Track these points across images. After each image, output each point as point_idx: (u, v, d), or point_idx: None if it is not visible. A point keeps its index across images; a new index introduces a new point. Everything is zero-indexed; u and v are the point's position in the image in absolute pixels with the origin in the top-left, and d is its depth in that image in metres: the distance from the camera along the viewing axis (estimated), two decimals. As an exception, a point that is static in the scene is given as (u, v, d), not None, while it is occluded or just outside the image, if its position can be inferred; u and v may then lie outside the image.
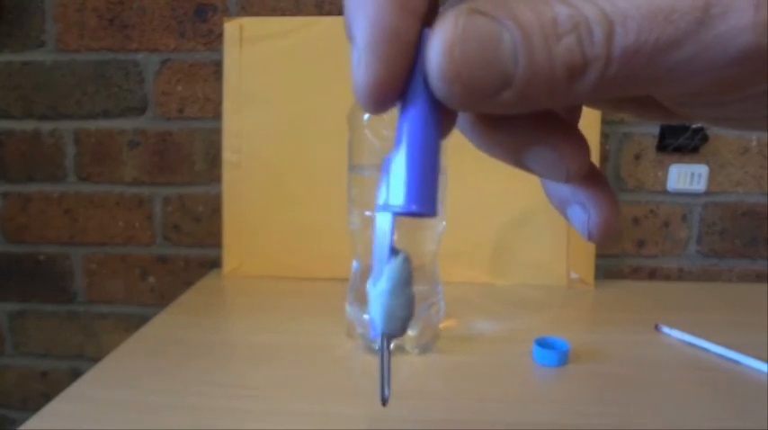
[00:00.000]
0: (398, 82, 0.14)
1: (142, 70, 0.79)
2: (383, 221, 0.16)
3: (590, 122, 0.72)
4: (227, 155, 0.75)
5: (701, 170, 0.77)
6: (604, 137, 0.77)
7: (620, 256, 0.80)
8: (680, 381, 0.47)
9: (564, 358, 0.50)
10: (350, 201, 0.52)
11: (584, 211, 0.18)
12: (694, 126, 0.74)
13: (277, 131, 0.74)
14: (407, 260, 0.17)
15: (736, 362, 0.50)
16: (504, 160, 0.17)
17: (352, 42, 0.14)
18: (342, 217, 0.54)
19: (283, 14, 0.77)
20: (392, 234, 0.16)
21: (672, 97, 0.15)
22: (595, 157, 0.72)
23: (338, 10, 0.76)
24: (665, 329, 0.57)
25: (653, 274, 0.81)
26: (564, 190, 0.18)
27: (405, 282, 0.17)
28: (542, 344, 0.51)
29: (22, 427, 0.39)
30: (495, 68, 0.13)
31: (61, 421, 0.40)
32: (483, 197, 0.72)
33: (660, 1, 0.13)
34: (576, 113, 0.19)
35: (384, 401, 0.19)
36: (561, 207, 0.19)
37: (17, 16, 0.79)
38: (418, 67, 0.14)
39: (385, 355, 0.18)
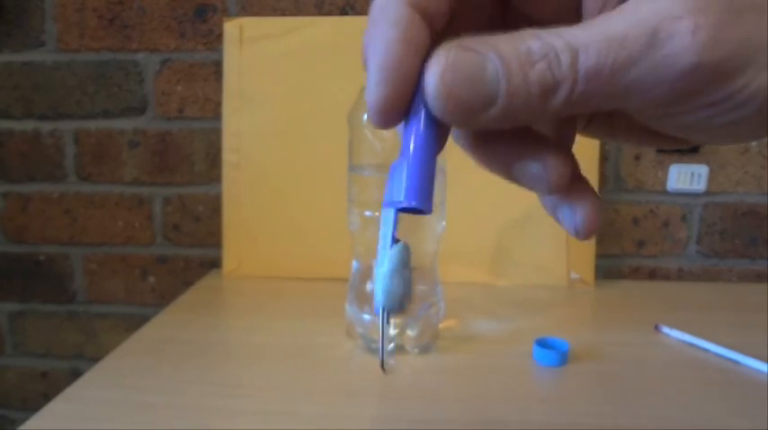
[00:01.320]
0: (402, 103, 0.18)
1: (142, 70, 0.79)
2: (387, 215, 0.19)
3: (590, 122, 0.72)
4: (227, 155, 0.75)
5: (701, 170, 0.77)
6: (604, 137, 0.77)
7: (620, 256, 0.80)
8: (680, 381, 0.47)
9: (564, 358, 0.50)
10: (350, 201, 0.52)
11: (571, 212, 0.20)
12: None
13: (277, 131, 0.74)
14: (406, 247, 0.20)
15: (736, 363, 0.50)
16: (499, 175, 0.20)
17: (367, 69, 0.18)
18: (342, 217, 0.54)
19: (283, 14, 0.77)
20: (394, 226, 0.19)
21: (637, 110, 0.18)
22: (595, 158, 0.72)
23: (338, 10, 0.76)
24: (665, 329, 0.57)
25: (653, 274, 0.81)
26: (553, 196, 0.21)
27: (403, 265, 0.20)
28: (542, 344, 0.51)
29: (22, 427, 0.39)
30: (480, 89, 0.16)
31: (61, 421, 0.40)
32: (483, 197, 0.72)
33: (615, 30, 0.16)
34: (569, 136, 0.22)
35: (383, 368, 0.23)
36: (553, 211, 0.21)
37: (17, 16, 0.79)
38: (419, 92, 0.18)
39: (384, 327, 0.21)
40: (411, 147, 0.18)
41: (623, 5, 0.16)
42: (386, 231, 0.20)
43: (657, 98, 0.16)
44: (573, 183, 0.20)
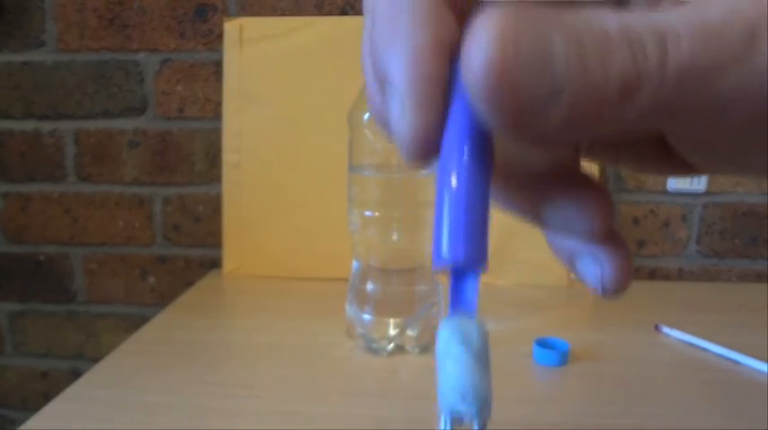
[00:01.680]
0: (439, 124, 0.13)
1: (142, 70, 0.79)
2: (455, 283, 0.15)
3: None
4: (227, 155, 0.75)
5: (701, 170, 0.77)
6: (604, 137, 0.77)
7: (620, 256, 0.80)
8: (680, 381, 0.47)
9: (564, 358, 0.50)
10: (350, 201, 0.52)
11: (596, 264, 0.16)
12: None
13: (277, 131, 0.74)
14: (483, 327, 0.15)
15: (736, 362, 0.50)
16: (520, 214, 0.16)
17: (388, 83, 0.13)
18: (342, 217, 0.54)
19: (283, 14, 0.77)
20: (462, 292, 0.15)
21: (698, 138, 0.14)
22: (595, 157, 0.72)
23: (338, 10, 0.76)
24: (665, 329, 0.57)
25: (653, 274, 0.81)
26: (573, 241, 0.17)
27: (484, 351, 0.14)
28: (542, 344, 0.51)
29: (22, 427, 0.39)
30: (546, 74, 0.12)
31: (61, 421, 0.41)
32: (483, 197, 0.72)
33: (712, 19, 0.12)
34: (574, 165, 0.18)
35: None
36: (569, 259, 0.17)
37: (17, 16, 0.79)
38: (455, 96, 0.13)
39: None
40: (453, 180, 0.13)
41: None
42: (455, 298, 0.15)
43: (746, 117, 0.12)
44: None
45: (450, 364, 0.13)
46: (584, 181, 0.16)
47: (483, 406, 0.14)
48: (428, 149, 0.13)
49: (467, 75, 0.12)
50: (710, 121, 0.13)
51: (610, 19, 0.12)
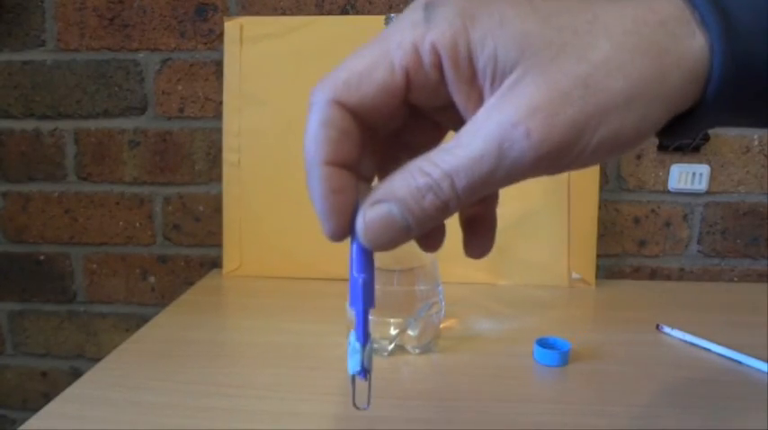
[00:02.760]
0: (343, 226, 0.24)
1: (142, 70, 0.79)
2: (355, 314, 0.26)
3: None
4: (228, 154, 0.75)
5: (703, 170, 0.77)
6: (605, 136, 0.77)
7: (622, 256, 0.80)
8: (680, 381, 0.47)
9: (565, 358, 0.50)
10: (350, 200, 0.52)
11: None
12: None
13: (277, 131, 0.74)
14: (371, 348, 0.28)
15: (737, 362, 0.50)
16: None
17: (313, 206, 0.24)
18: (342, 216, 0.54)
19: (284, 14, 0.77)
20: (365, 323, 0.26)
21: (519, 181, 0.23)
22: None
23: (339, 9, 0.76)
24: (667, 329, 0.57)
25: (654, 274, 0.80)
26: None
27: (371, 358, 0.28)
28: (543, 344, 0.51)
29: (22, 427, 0.39)
30: (395, 230, 0.23)
31: (61, 421, 0.40)
32: (484, 197, 0.72)
33: (474, 151, 0.21)
34: (492, 200, 0.28)
35: (355, 405, 0.30)
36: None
37: (17, 16, 0.79)
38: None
39: (354, 383, 0.29)
40: (355, 268, 0.25)
41: (478, 115, 0.21)
42: (358, 326, 0.27)
43: (524, 178, 0.22)
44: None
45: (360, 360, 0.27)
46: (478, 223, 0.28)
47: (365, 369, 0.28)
48: (337, 237, 0.24)
49: (358, 234, 0.23)
50: (506, 185, 0.22)
51: (417, 177, 0.22)
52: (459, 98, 0.23)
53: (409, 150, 0.25)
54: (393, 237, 0.23)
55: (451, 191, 0.21)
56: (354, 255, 0.25)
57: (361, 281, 0.25)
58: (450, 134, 0.24)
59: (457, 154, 0.21)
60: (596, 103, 0.20)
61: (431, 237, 0.27)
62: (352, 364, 0.27)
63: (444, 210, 0.22)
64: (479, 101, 0.22)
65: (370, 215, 0.23)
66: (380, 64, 0.22)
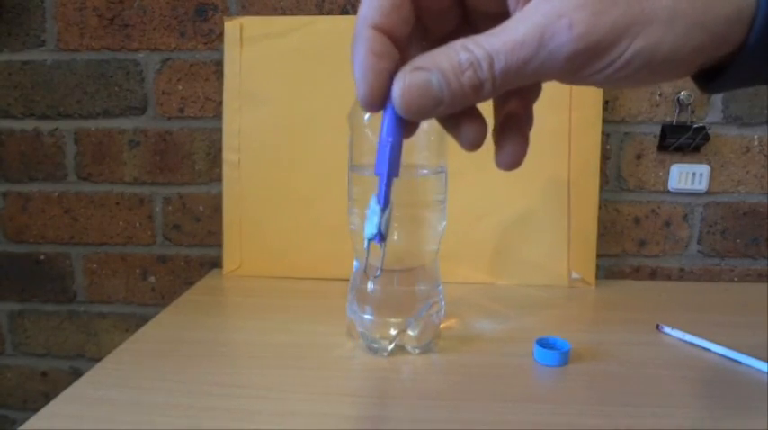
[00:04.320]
0: (378, 95, 0.24)
1: (142, 69, 0.79)
2: (380, 180, 0.27)
3: (591, 122, 0.72)
4: (228, 154, 0.75)
5: (703, 170, 0.76)
6: (605, 136, 0.77)
7: (622, 256, 0.80)
8: (680, 381, 0.47)
9: (565, 358, 0.50)
10: (350, 200, 0.52)
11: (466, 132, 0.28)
12: (696, 125, 0.74)
13: (277, 131, 0.74)
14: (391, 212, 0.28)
15: (737, 362, 0.50)
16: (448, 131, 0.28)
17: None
18: (342, 217, 0.54)
19: (284, 14, 0.77)
20: (387, 189, 0.27)
21: (549, 80, 0.24)
22: (596, 157, 0.72)
23: (339, 9, 0.76)
24: (667, 329, 0.57)
25: (654, 274, 0.80)
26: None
27: (389, 222, 0.28)
28: (543, 344, 0.51)
29: (22, 427, 0.39)
30: (430, 98, 0.23)
31: (61, 421, 0.40)
32: (483, 197, 0.72)
33: (516, 36, 0.22)
34: (533, 95, 0.28)
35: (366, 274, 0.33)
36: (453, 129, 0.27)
37: (17, 16, 0.79)
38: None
39: (368, 251, 0.30)
40: (385, 131, 0.26)
41: (527, 7, 0.23)
42: (380, 190, 0.27)
43: (556, 75, 0.23)
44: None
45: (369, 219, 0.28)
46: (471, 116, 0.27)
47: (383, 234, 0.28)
48: (371, 106, 0.25)
49: (393, 101, 0.24)
50: (542, 80, 0.24)
51: (459, 52, 0.23)
52: (511, 0, 0.24)
53: None
54: (425, 105, 0.24)
55: (489, 71, 0.22)
56: (386, 121, 0.26)
57: (389, 144, 0.26)
58: None
59: (500, 37, 0.22)
60: (641, 11, 0.21)
61: (472, 129, 0.27)
62: (369, 228, 0.28)
63: (479, 90, 0.23)
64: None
65: (409, 79, 0.23)
66: None
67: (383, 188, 0.27)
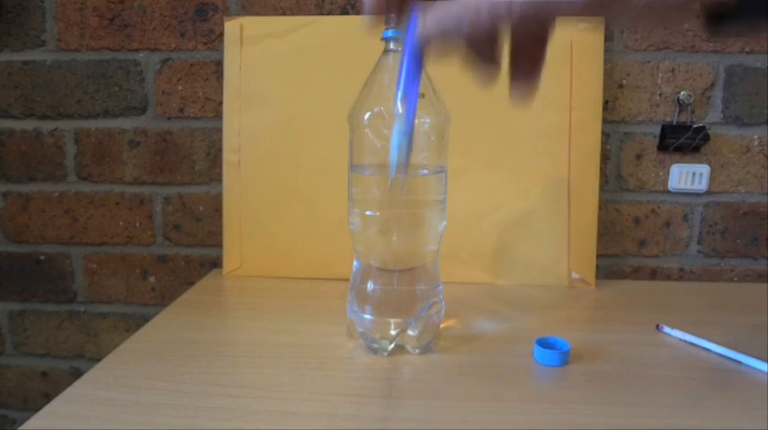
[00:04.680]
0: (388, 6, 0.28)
1: (143, 70, 0.79)
2: (402, 106, 0.31)
3: (590, 122, 0.72)
4: (228, 154, 0.75)
5: (703, 170, 0.77)
6: (605, 136, 0.77)
7: (622, 256, 0.80)
8: (680, 381, 0.47)
9: (565, 358, 0.50)
10: (350, 200, 0.52)
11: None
12: (695, 125, 0.74)
13: (277, 131, 0.74)
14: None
15: (737, 362, 0.50)
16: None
17: None
18: (342, 217, 0.54)
19: (284, 14, 0.77)
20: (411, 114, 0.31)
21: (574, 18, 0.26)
22: (596, 157, 0.72)
23: (339, 9, 0.76)
24: (667, 329, 0.57)
25: (654, 274, 0.80)
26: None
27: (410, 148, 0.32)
28: (543, 344, 0.51)
29: (22, 427, 0.39)
30: (447, 27, 0.26)
31: (61, 421, 0.40)
32: (483, 197, 0.72)
33: None
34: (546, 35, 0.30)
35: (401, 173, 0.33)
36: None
37: (17, 16, 0.79)
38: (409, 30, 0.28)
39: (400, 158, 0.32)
40: (405, 63, 0.29)
41: None
42: (406, 119, 0.31)
43: (577, 13, 0.24)
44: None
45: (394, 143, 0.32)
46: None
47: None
48: (379, 11, 0.29)
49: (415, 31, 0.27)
50: (563, 18, 0.25)
51: None
52: None
53: None
54: (446, 23, 0.26)
55: (507, 8, 0.24)
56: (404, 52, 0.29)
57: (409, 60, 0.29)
58: None
59: None
60: None
61: (487, 68, 0.28)
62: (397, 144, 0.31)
63: (497, 18, 0.25)
64: None
65: (431, 14, 0.26)
66: None
67: (410, 111, 0.30)
